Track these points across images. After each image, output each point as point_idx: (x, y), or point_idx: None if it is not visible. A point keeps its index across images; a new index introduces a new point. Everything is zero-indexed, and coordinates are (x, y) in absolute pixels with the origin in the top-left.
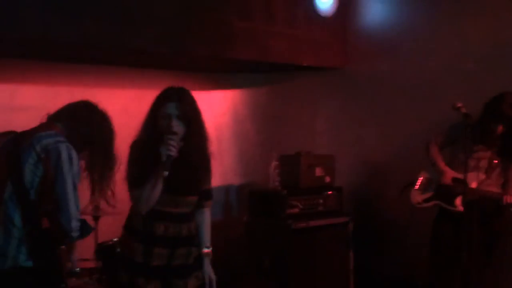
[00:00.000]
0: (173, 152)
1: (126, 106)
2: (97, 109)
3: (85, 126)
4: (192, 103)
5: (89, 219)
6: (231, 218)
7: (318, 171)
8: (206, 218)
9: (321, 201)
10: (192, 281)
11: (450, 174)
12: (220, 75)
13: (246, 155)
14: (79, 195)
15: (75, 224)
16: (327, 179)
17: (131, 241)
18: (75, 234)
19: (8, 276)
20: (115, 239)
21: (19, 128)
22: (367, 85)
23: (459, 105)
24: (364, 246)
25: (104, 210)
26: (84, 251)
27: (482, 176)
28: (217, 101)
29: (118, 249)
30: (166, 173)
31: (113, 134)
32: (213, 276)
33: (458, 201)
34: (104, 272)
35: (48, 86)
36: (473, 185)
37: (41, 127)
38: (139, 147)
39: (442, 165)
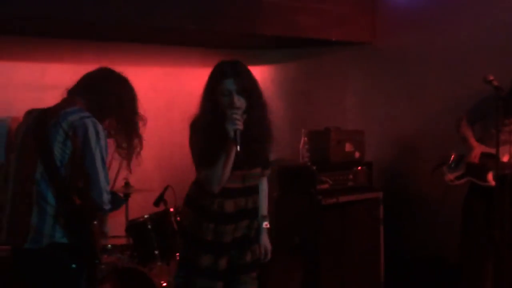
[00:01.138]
0: (239, 126)
1: (153, 83)
2: (113, 75)
3: (103, 95)
4: (249, 76)
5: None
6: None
7: (348, 147)
8: (264, 187)
9: (351, 176)
10: (248, 255)
11: (478, 149)
12: (247, 51)
13: (275, 131)
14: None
15: (106, 197)
16: (357, 154)
17: (201, 220)
18: (107, 207)
19: (45, 253)
20: (146, 216)
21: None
22: (397, 60)
23: (491, 78)
24: (394, 223)
25: (134, 187)
26: (115, 228)
27: None
28: None
29: (149, 226)
30: (238, 148)
31: (133, 96)
32: (269, 247)
33: (490, 176)
34: (135, 249)
35: (77, 64)
36: (505, 158)
37: (64, 104)
38: (201, 126)
39: (472, 140)
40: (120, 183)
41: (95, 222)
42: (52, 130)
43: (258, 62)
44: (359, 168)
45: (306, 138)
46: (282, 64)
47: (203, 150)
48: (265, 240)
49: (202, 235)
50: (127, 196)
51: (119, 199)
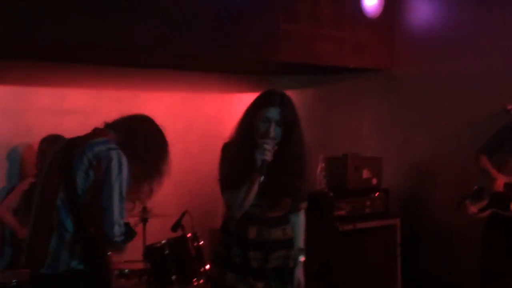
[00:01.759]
0: (268, 157)
1: (171, 108)
2: (152, 123)
3: (137, 136)
4: (293, 110)
5: (136, 221)
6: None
7: (365, 173)
8: (301, 219)
9: (368, 203)
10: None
11: (501, 180)
12: (265, 77)
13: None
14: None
15: (117, 230)
16: (374, 181)
17: (228, 242)
18: (118, 239)
19: (61, 279)
20: (163, 241)
21: (68, 131)
22: (414, 87)
23: (510, 107)
24: (411, 249)
25: (151, 212)
26: (132, 253)
27: None
28: None
29: (167, 251)
30: (262, 178)
31: (164, 148)
32: (303, 281)
33: None
34: (152, 274)
35: (96, 89)
36: None
37: (93, 134)
38: (232, 149)
39: (493, 172)
40: (137, 208)
41: (110, 252)
42: (76, 159)
43: (276, 88)
44: (376, 194)
45: (323, 164)
46: (299, 90)
47: (228, 173)
48: (299, 273)
49: (231, 257)
50: (144, 220)
51: (132, 232)
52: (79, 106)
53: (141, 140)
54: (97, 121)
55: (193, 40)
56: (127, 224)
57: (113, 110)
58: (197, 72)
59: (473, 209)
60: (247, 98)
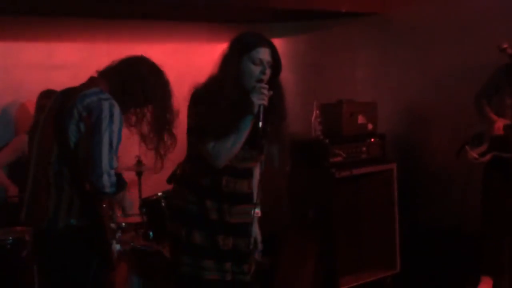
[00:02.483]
0: (266, 101)
1: (163, 60)
2: (146, 63)
3: (130, 81)
4: (279, 55)
5: (132, 175)
6: (273, 170)
7: (361, 119)
8: (258, 172)
9: (364, 148)
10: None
11: (500, 122)
12: (257, 25)
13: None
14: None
15: (106, 180)
16: (370, 126)
17: (199, 197)
18: (108, 189)
19: (61, 235)
20: (159, 194)
21: (59, 86)
22: (407, 30)
23: (505, 46)
24: (408, 194)
25: (146, 165)
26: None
27: None
28: None
29: (163, 203)
30: (260, 124)
31: (165, 89)
32: (260, 237)
33: None
34: (149, 227)
35: (85, 43)
36: None
37: (86, 84)
38: (212, 96)
39: (491, 115)
40: (132, 161)
41: (104, 205)
42: (68, 112)
43: (267, 35)
44: (372, 140)
45: (318, 111)
46: (292, 37)
47: (216, 121)
48: (255, 230)
49: (207, 216)
50: (139, 174)
51: (123, 182)
52: (68, 61)
53: (138, 85)
54: (87, 75)
55: None
56: (118, 175)
57: (103, 63)
58: (187, 22)
59: (474, 154)
60: None
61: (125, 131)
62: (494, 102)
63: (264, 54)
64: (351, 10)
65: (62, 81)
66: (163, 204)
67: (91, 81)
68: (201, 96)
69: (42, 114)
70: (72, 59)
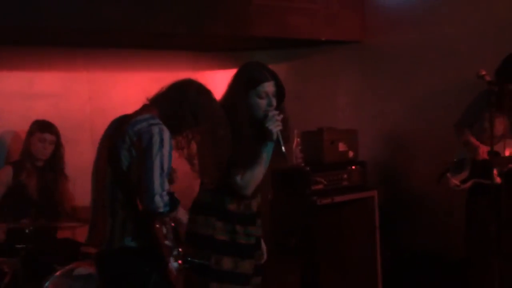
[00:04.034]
0: (280, 127)
1: (145, 88)
2: (192, 85)
3: (178, 105)
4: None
5: None
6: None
7: (341, 146)
8: None
9: (345, 176)
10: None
11: (484, 148)
12: (239, 53)
13: None
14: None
15: (159, 200)
16: (351, 154)
17: (229, 224)
18: (162, 209)
19: (116, 256)
20: None
21: (39, 115)
22: (387, 57)
23: (483, 73)
24: (390, 221)
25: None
26: None
27: None
28: None
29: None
30: (283, 148)
31: (214, 111)
32: (265, 247)
33: (495, 173)
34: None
35: (66, 72)
36: (507, 152)
37: (138, 111)
38: (227, 132)
39: (474, 141)
40: None
41: (157, 225)
42: (120, 138)
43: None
44: (353, 167)
45: (299, 139)
46: (272, 65)
47: (239, 154)
48: (264, 245)
49: (236, 240)
50: None
51: (175, 200)
52: (48, 90)
53: (187, 109)
54: (68, 104)
55: (165, 19)
56: (171, 194)
57: (84, 92)
58: (169, 50)
59: (455, 181)
60: (220, 76)
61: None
62: (474, 128)
63: (269, 87)
64: (332, 38)
65: (42, 110)
66: None
67: (143, 108)
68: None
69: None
70: (52, 88)
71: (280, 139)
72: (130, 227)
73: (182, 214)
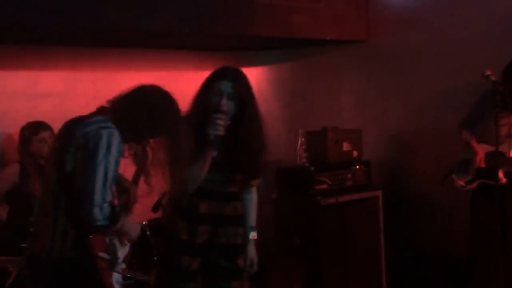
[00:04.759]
0: (221, 131)
1: None
2: (154, 93)
3: (135, 111)
4: (248, 85)
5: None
6: (259, 197)
7: (346, 146)
8: (254, 196)
9: (349, 176)
10: (230, 263)
11: (482, 152)
12: (242, 53)
13: (271, 132)
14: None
15: (98, 213)
16: (355, 153)
17: (176, 218)
18: (100, 223)
19: (56, 265)
20: (144, 222)
21: (44, 114)
22: (392, 57)
23: (488, 73)
24: (395, 220)
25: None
26: None
27: None
28: None
29: (148, 232)
30: (215, 153)
31: (174, 119)
32: (256, 259)
33: (501, 174)
34: (134, 256)
35: (71, 71)
36: None
37: (93, 113)
38: (187, 123)
39: (474, 145)
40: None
41: (91, 237)
42: (66, 141)
43: (252, 63)
44: (357, 167)
45: (303, 139)
46: (277, 65)
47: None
48: (251, 251)
49: (178, 235)
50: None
51: (115, 216)
52: (53, 89)
53: (143, 114)
54: (72, 104)
55: (167, 17)
56: (113, 207)
57: (88, 91)
58: (172, 50)
59: (461, 182)
60: None
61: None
62: (479, 128)
63: (224, 85)
64: (336, 38)
65: (47, 109)
66: (148, 233)
67: (98, 110)
68: None
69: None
70: (57, 88)
71: (216, 144)
72: (72, 237)
73: (132, 228)
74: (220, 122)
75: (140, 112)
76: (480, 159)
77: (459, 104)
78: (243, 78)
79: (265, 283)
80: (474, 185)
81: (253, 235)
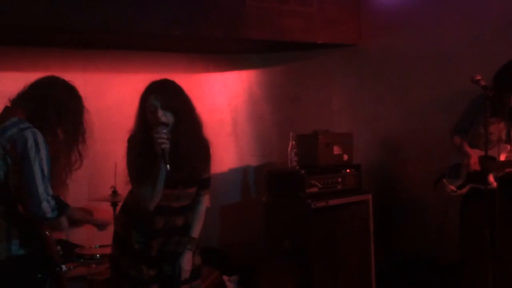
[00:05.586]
0: (166, 144)
1: (140, 90)
2: (57, 82)
3: (45, 104)
4: (176, 93)
5: (107, 206)
6: (249, 200)
7: (336, 150)
8: (201, 207)
9: (339, 179)
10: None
11: (475, 157)
12: (234, 56)
13: (262, 135)
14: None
15: (46, 206)
16: (345, 157)
17: (129, 227)
18: (50, 214)
19: (3, 267)
20: None
21: None
22: (383, 61)
23: (478, 77)
24: (385, 224)
25: (122, 195)
26: (104, 238)
27: (508, 147)
28: (232, 82)
29: None
30: (168, 166)
31: (77, 107)
32: (187, 268)
33: (491, 178)
34: None
35: (62, 72)
36: (502, 157)
37: (3, 116)
38: (135, 142)
39: (467, 149)
40: (107, 191)
41: (47, 231)
42: None
43: (244, 66)
44: (348, 170)
45: (294, 142)
46: (268, 68)
47: (134, 166)
48: (183, 260)
49: (131, 243)
50: (115, 205)
51: (63, 204)
52: None
53: (52, 108)
54: None
55: (160, 20)
56: (57, 198)
57: (80, 93)
58: (164, 53)
59: (452, 187)
60: (217, 78)
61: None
62: (470, 133)
63: (154, 100)
64: (327, 42)
65: None
66: None
67: (7, 111)
68: (129, 144)
69: None
70: None
71: (166, 157)
72: (16, 235)
73: (63, 220)
74: (163, 135)
75: (49, 106)
76: (474, 161)
77: (450, 108)
78: (170, 87)
79: (255, 286)
80: (465, 189)
81: (189, 247)
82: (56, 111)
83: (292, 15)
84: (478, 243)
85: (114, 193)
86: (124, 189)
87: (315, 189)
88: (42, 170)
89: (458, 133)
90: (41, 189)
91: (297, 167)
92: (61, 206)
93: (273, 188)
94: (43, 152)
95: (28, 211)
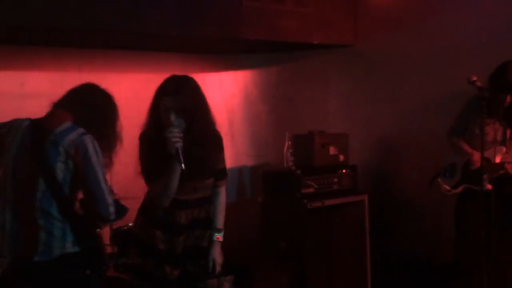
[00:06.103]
0: (179, 143)
1: (136, 90)
2: (98, 90)
3: (90, 109)
4: (191, 94)
5: None
6: (245, 200)
7: (332, 150)
8: (220, 198)
9: (335, 180)
10: (201, 265)
11: (478, 155)
12: (230, 56)
13: (258, 136)
14: None
15: (112, 209)
16: (341, 157)
17: (151, 227)
18: (113, 217)
19: (57, 263)
20: (130, 224)
21: (29, 115)
22: (379, 62)
23: (474, 78)
24: (380, 225)
25: (118, 194)
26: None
27: (503, 148)
28: (228, 83)
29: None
30: (182, 166)
31: (116, 114)
32: (219, 260)
33: (486, 179)
34: (120, 257)
35: (58, 72)
36: (498, 159)
37: (55, 119)
38: (147, 140)
39: (467, 149)
40: None
41: (98, 230)
42: (51, 150)
43: (240, 66)
44: (344, 171)
45: (290, 142)
46: (264, 68)
47: (148, 164)
48: (215, 253)
49: (154, 244)
50: None
51: (123, 208)
52: (40, 90)
53: (95, 113)
54: None
55: (156, 19)
56: (117, 201)
57: None
58: (160, 52)
59: (446, 186)
60: (212, 78)
61: None
62: (466, 134)
63: (168, 101)
64: (323, 42)
65: (33, 110)
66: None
67: (54, 115)
68: (142, 141)
69: (8, 143)
70: (44, 88)
71: (180, 156)
72: (70, 234)
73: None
74: (176, 134)
75: (94, 112)
76: (477, 158)
77: (445, 109)
78: (186, 87)
79: (250, 286)
80: (459, 189)
81: (218, 236)
82: (100, 118)
83: (288, 16)
84: (473, 244)
85: (110, 192)
86: (120, 189)
87: (311, 190)
88: (104, 175)
89: (455, 134)
90: (106, 193)
91: (293, 168)
92: (120, 209)
93: (269, 188)
94: (100, 157)
95: (90, 210)
